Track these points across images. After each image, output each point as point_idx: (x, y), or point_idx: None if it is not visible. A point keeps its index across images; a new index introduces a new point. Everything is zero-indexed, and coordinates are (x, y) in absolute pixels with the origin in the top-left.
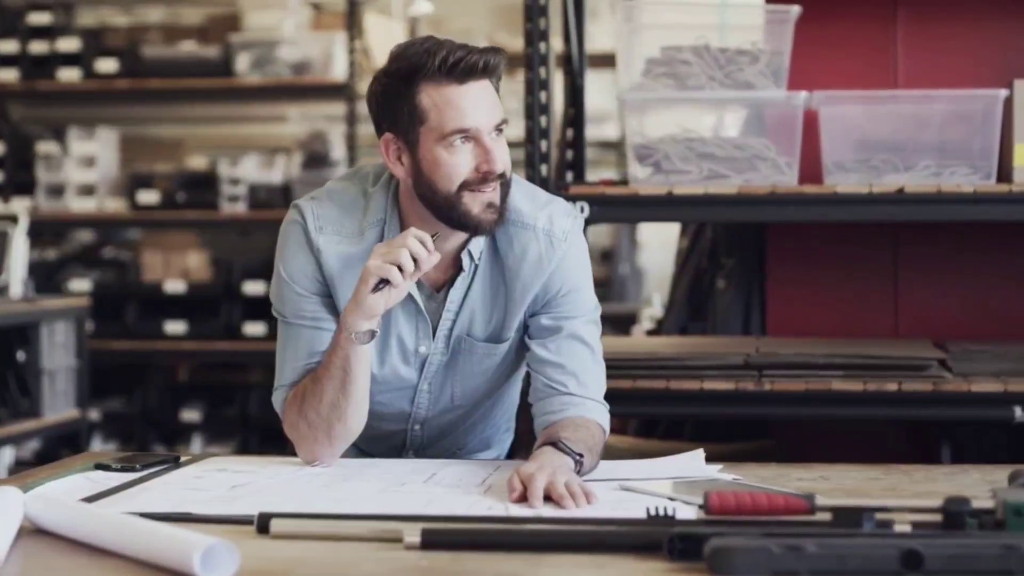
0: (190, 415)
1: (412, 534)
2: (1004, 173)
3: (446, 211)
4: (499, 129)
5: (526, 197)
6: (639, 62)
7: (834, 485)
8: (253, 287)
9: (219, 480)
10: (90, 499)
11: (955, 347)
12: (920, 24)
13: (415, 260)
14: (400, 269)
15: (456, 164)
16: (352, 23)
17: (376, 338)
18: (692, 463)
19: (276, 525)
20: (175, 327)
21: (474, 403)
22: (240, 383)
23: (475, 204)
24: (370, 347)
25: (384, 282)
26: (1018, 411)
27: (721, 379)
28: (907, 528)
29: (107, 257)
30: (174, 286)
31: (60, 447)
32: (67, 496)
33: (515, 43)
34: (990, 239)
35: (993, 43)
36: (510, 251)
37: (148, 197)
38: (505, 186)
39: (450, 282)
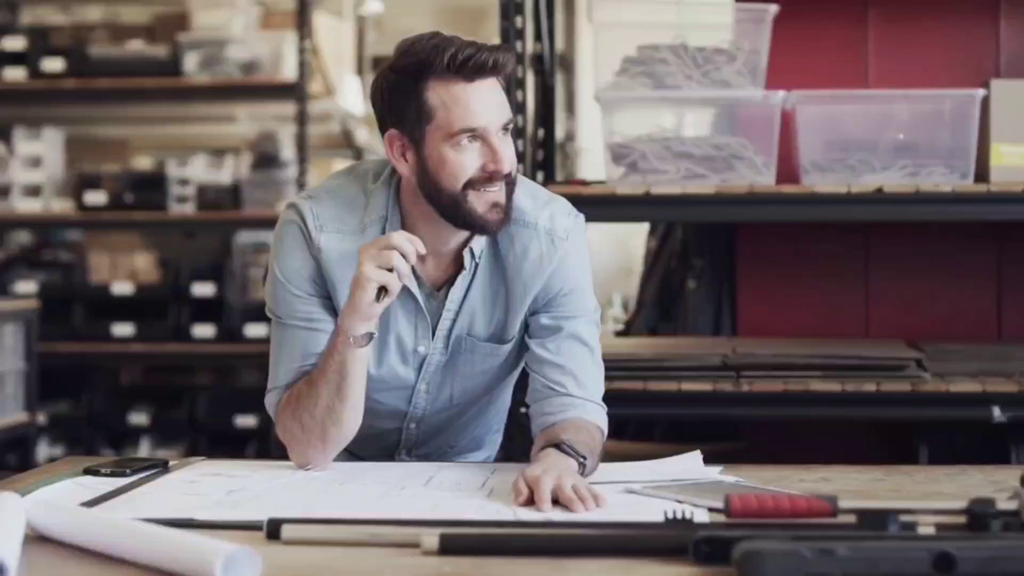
0: (138, 418)
1: (430, 539)
2: (981, 173)
3: (451, 210)
4: (506, 128)
5: (527, 195)
6: (609, 61)
7: (839, 487)
8: (202, 289)
9: (215, 485)
10: (86, 505)
11: (930, 347)
12: (891, 24)
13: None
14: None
15: (462, 163)
16: (302, 22)
17: (374, 338)
18: (691, 465)
19: (288, 531)
20: (122, 329)
21: (472, 402)
22: (188, 386)
23: (480, 203)
24: (367, 349)
25: (382, 288)
26: (996, 411)
27: (699, 380)
28: (931, 530)
29: (53, 259)
30: (121, 288)
31: (7, 451)
32: (65, 502)
33: None
34: (959, 239)
35: (964, 43)
36: (511, 250)
37: (95, 198)
38: (511, 186)
39: (450, 281)
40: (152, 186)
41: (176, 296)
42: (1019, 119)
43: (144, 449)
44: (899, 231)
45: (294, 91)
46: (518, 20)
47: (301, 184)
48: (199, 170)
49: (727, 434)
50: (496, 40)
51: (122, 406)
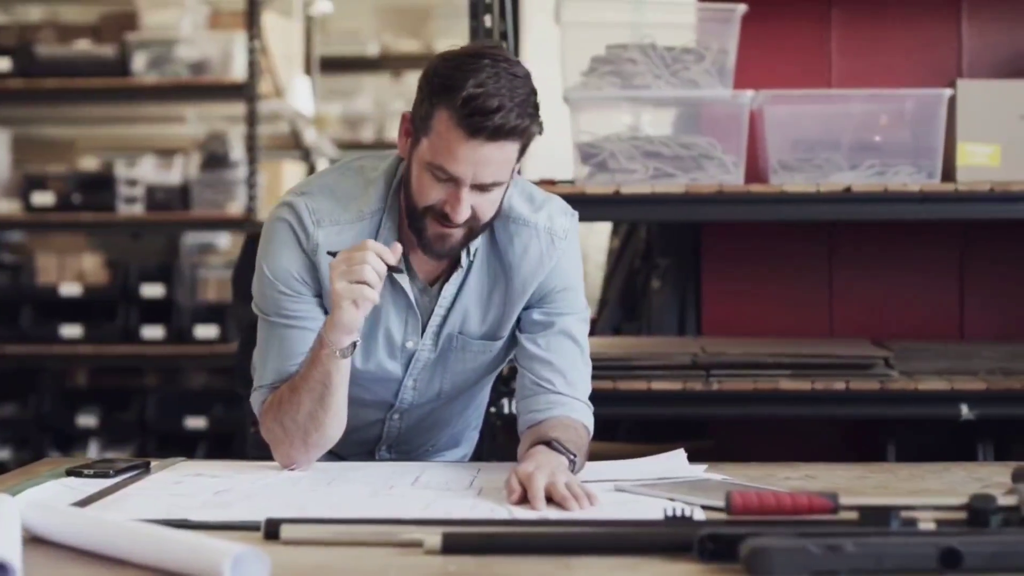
0: (86, 420)
1: (432, 538)
2: (947, 172)
3: (410, 219)
4: (488, 186)
5: (523, 195)
6: (576, 61)
7: (824, 484)
8: (151, 290)
9: (200, 485)
10: (76, 506)
11: (896, 346)
12: (853, 25)
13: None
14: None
15: (426, 190)
16: (252, 22)
17: (363, 333)
18: (676, 463)
19: (287, 531)
20: (71, 331)
21: (458, 396)
22: (137, 387)
23: (432, 229)
24: (352, 359)
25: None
26: (964, 409)
27: (668, 379)
28: (931, 526)
29: None
30: (69, 289)
31: None
32: (56, 503)
33: (402, 45)
34: (923, 238)
35: (926, 43)
36: (510, 248)
37: (42, 199)
38: (474, 231)
39: (445, 277)
40: (100, 187)
41: (125, 297)
42: (985, 119)
43: (93, 451)
44: (863, 231)
45: (243, 91)
46: (487, 19)
47: (251, 184)
48: (148, 171)
49: (693, 433)
50: (442, 40)
51: (70, 408)
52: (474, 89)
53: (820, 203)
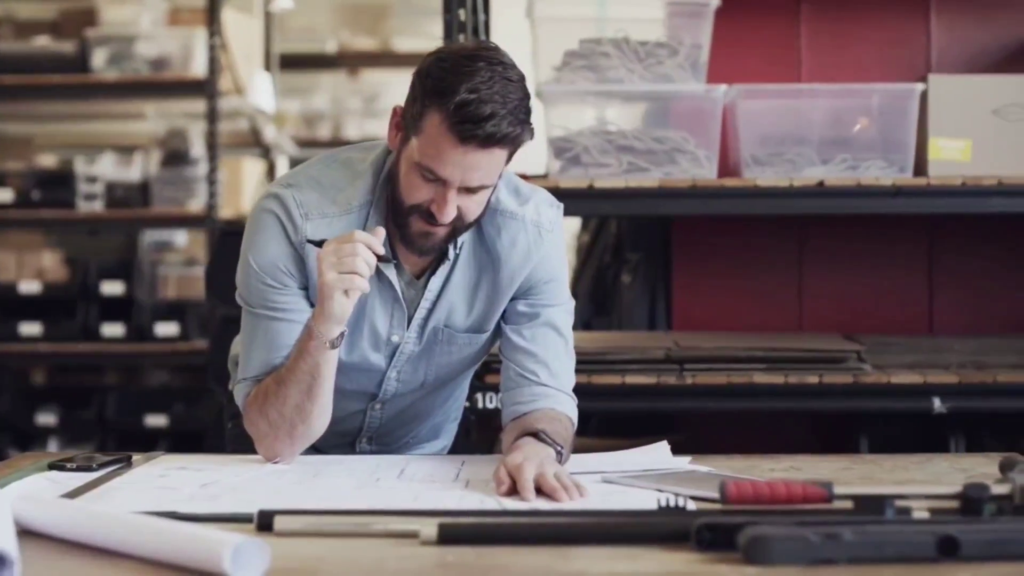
0: (46, 418)
1: (428, 529)
2: (919, 167)
3: (396, 214)
4: (475, 189)
5: (509, 188)
6: (549, 55)
7: (809, 475)
8: (111, 287)
9: (185, 478)
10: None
11: (868, 339)
12: (823, 20)
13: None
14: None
15: (414, 189)
16: (212, 19)
17: (348, 324)
18: (660, 455)
19: (280, 522)
20: (30, 328)
21: (441, 386)
22: (97, 385)
23: (416, 226)
24: (339, 349)
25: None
26: (937, 402)
27: (643, 373)
28: (925, 515)
29: None
30: (28, 287)
31: None
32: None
33: (359, 42)
34: (892, 233)
35: (894, 39)
36: (498, 241)
37: (1, 196)
38: (458, 230)
39: (431, 270)
40: (60, 184)
41: (84, 295)
42: (956, 113)
43: (52, 449)
44: (832, 225)
45: (204, 88)
46: (461, 13)
47: (212, 182)
48: (107, 168)
49: (661, 427)
50: (400, 38)
51: (29, 406)
52: (467, 95)
53: (793, 197)
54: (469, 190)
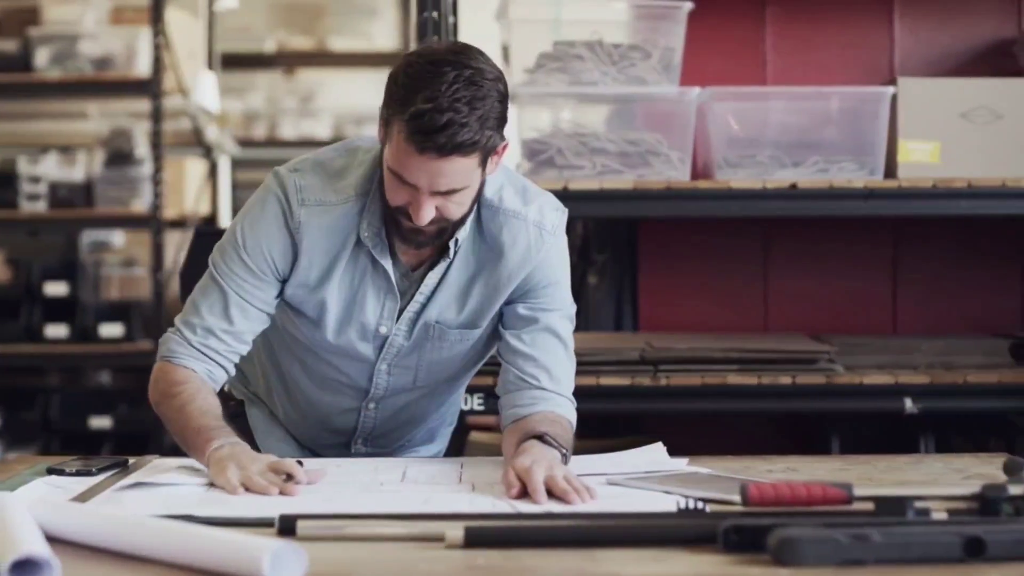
0: None
1: (454, 532)
2: (889, 169)
3: (387, 210)
4: (446, 193)
5: (516, 188)
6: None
7: (808, 477)
8: (54, 288)
9: (186, 482)
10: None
11: (836, 340)
12: (788, 23)
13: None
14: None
15: (393, 191)
16: (157, 17)
17: (338, 308)
18: (657, 456)
19: (303, 527)
20: None
21: (434, 386)
22: (41, 387)
23: (404, 224)
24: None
25: None
26: (908, 403)
27: (617, 375)
28: (943, 516)
29: None
30: None
31: None
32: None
33: (295, 42)
34: (857, 234)
35: (859, 42)
36: (498, 238)
37: None
38: (448, 228)
39: (428, 265)
40: (2, 184)
41: (28, 296)
42: (925, 116)
43: None
44: (797, 226)
45: (148, 87)
46: (435, 14)
47: (157, 182)
48: (51, 168)
49: (630, 428)
50: (336, 38)
51: None
52: (423, 104)
53: (766, 199)
54: (443, 193)
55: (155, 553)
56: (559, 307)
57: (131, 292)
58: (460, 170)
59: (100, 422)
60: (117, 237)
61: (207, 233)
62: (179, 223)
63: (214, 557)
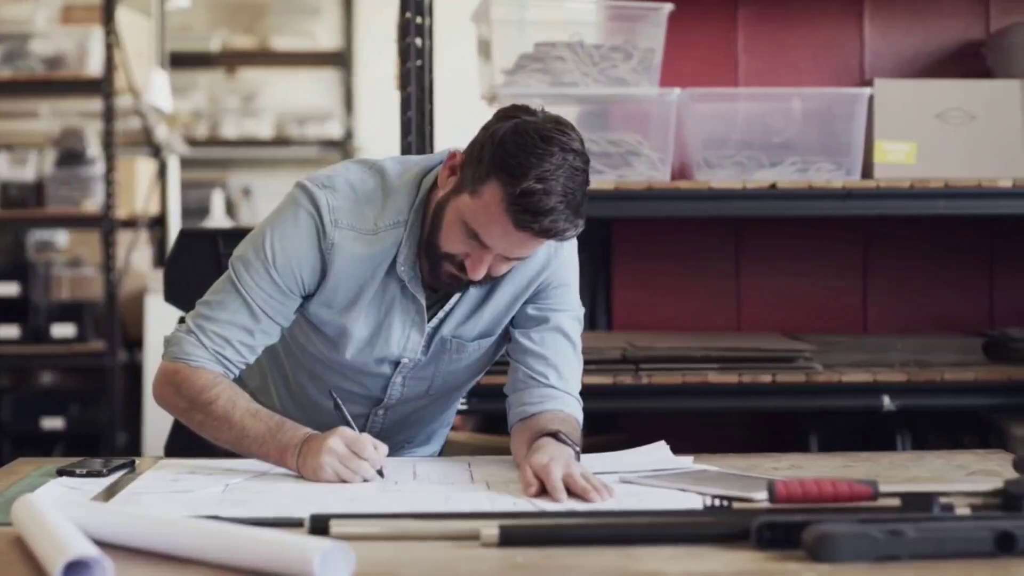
0: None
1: (489, 531)
2: (865, 169)
3: (428, 249)
4: (511, 259)
5: None
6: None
7: (814, 474)
8: (5, 288)
9: (200, 482)
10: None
11: (812, 339)
12: (760, 25)
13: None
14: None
15: (454, 240)
16: (108, 17)
17: (361, 336)
18: (663, 454)
19: (337, 526)
20: None
21: (447, 392)
22: None
23: (446, 269)
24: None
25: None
26: (886, 400)
27: (599, 374)
28: (967, 511)
29: None
30: None
31: None
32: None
33: (238, 41)
34: (828, 234)
35: (829, 43)
36: None
37: None
38: (485, 280)
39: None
40: None
41: None
42: (901, 117)
43: None
44: (769, 226)
45: (100, 87)
46: (418, 18)
47: (109, 182)
48: (1, 167)
49: (605, 426)
50: (277, 37)
51: None
52: (534, 183)
53: (746, 199)
54: (507, 259)
55: (199, 554)
56: (569, 308)
57: (81, 292)
58: (540, 246)
59: (52, 423)
60: (62, 237)
61: (191, 233)
62: (130, 223)
63: (262, 558)
